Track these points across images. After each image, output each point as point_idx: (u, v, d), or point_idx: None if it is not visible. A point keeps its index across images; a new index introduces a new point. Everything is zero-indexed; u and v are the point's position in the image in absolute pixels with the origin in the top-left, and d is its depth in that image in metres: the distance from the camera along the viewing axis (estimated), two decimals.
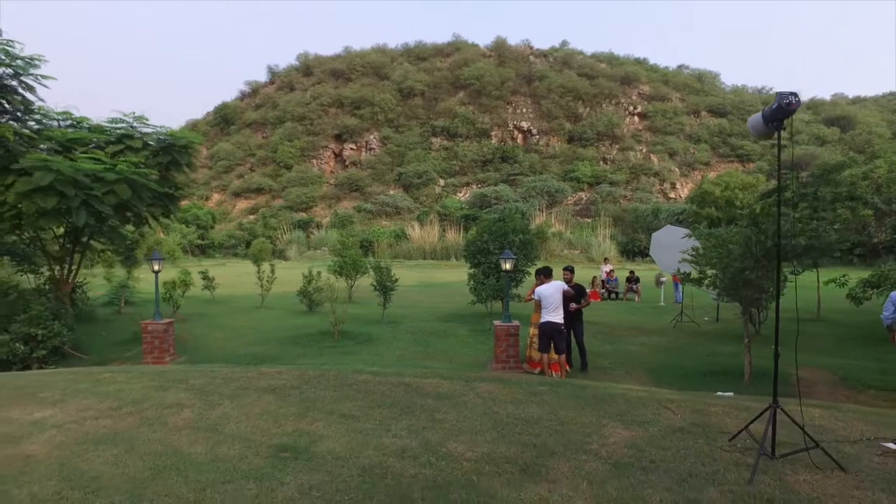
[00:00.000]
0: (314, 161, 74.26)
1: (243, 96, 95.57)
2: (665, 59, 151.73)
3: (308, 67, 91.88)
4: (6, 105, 8.02)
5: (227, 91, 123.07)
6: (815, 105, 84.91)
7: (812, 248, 7.22)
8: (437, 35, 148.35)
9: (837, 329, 12.14)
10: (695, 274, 8.37)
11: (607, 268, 21.08)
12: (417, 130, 74.57)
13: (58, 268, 10.74)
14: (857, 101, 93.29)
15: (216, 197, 70.10)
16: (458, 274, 28.84)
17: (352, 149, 74.44)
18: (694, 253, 8.02)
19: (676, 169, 68.39)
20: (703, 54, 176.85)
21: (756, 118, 3.66)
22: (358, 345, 11.05)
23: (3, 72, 7.58)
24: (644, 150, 69.74)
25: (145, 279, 19.19)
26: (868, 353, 9.48)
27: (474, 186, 65.14)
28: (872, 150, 48.04)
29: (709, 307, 14.75)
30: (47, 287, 10.88)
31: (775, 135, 3.76)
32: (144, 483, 3.46)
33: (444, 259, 45.15)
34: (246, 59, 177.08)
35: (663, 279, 18.07)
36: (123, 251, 14.85)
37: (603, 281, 20.13)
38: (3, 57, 7.49)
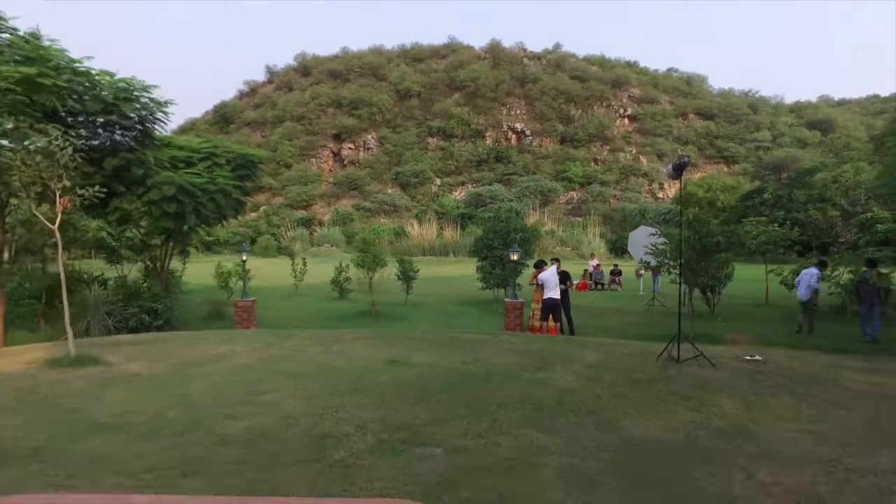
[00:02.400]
0: (313, 160, 76.27)
1: (242, 95, 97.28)
2: (655, 61, 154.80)
3: (306, 68, 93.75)
4: (145, 137, 10.59)
5: (225, 90, 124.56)
6: (798, 108, 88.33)
7: (732, 244, 10.01)
8: (433, 36, 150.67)
9: (777, 310, 14.99)
10: (653, 263, 11.15)
11: (594, 262, 23.97)
12: (414, 131, 76.91)
13: (151, 258, 13.39)
14: (843, 103, 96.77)
15: None
16: (459, 269, 31.62)
17: (350, 148, 76.64)
18: (653, 247, 10.76)
19: (664, 170, 70.88)
20: (693, 56, 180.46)
21: (668, 168, 6.41)
22: (392, 321, 13.76)
23: (146, 114, 10.17)
24: (633, 152, 72.61)
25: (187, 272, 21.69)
26: (791, 326, 12.29)
27: (469, 186, 67.68)
28: (841, 155, 51.27)
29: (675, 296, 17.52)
30: (148, 274, 13.43)
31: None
32: (322, 376, 6.15)
33: (442, 255, 47.50)
34: (243, 59, 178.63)
35: (642, 272, 20.89)
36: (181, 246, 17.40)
37: (590, 273, 22.98)
38: (151, 103, 10.12)
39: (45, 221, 6.58)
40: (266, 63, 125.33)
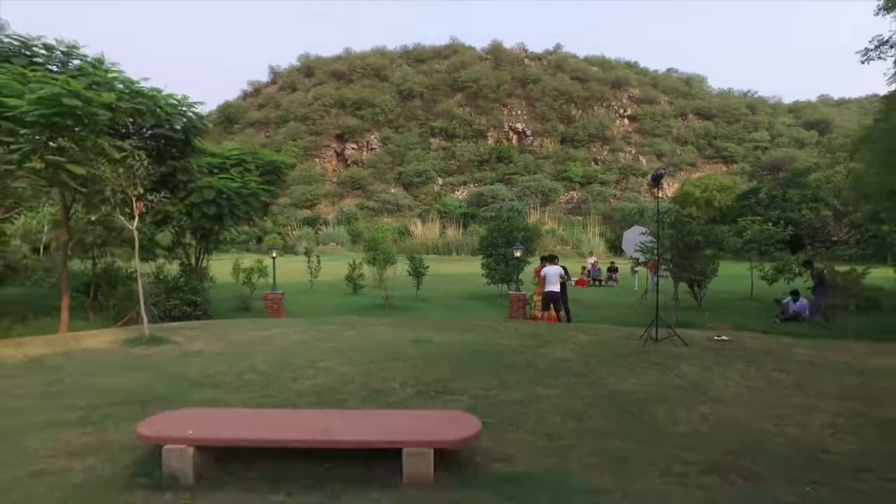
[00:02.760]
0: (317, 160, 77.45)
1: (245, 96, 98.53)
2: (655, 62, 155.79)
3: (309, 68, 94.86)
4: (187, 146, 11.84)
5: (229, 91, 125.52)
6: (796, 108, 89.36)
7: (710, 242, 11.27)
8: (434, 37, 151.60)
9: (760, 304, 16.21)
10: (642, 259, 12.41)
11: (592, 260, 25.26)
12: (416, 131, 78.11)
13: (185, 255, 14.65)
14: (842, 102, 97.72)
15: None
16: (463, 266, 32.84)
17: (353, 148, 77.83)
18: (642, 245, 12.01)
19: (649, 180, 71.87)
20: (693, 57, 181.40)
21: (650, 179, 7.62)
22: (406, 313, 14.99)
23: (190, 126, 11.43)
24: (633, 152, 73.76)
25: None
26: (767, 316, 13.53)
27: (471, 185, 68.87)
28: (836, 156, 52.40)
29: (670, 291, 18.80)
30: (185, 270, 14.66)
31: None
32: (362, 350, 7.40)
33: (445, 254, 48.64)
34: (247, 60, 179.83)
35: (637, 269, 22.12)
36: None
37: (588, 271, 24.26)
38: (195, 117, 11.38)
39: (126, 222, 7.83)
40: (269, 63, 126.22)
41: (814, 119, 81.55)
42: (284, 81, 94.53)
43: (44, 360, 6.70)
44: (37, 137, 6.57)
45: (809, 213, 41.63)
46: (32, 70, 8.31)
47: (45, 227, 22.26)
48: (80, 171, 7.01)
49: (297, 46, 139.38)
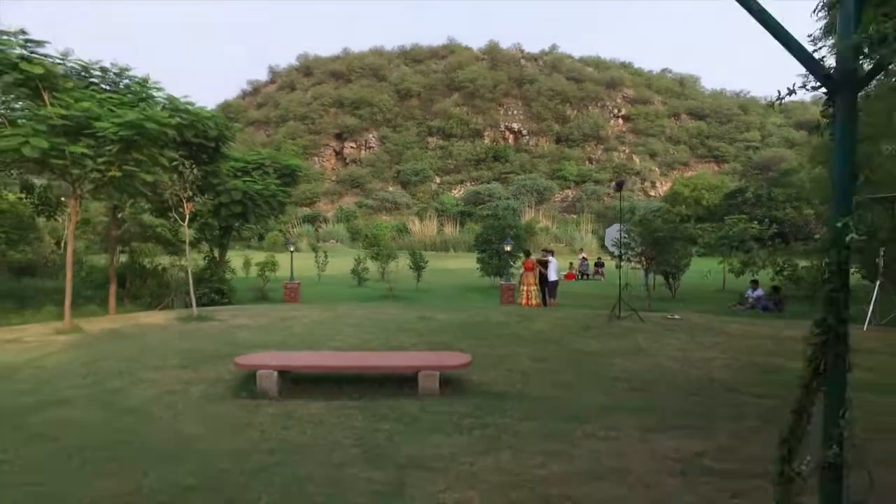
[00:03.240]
0: (316, 159, 78.72)
1: (245, 95, 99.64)
2: (649, 62, 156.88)
3: (308, 68, 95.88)
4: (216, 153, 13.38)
5: (227, 89, 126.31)
6: (787, 109, 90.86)
7: (675, 238, 12.96)
8: (432, 37, 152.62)
9: (731, 295, 17.86)
10: (616, 252, 14.07)
11: (581, 255, 27.00)
12: (414, 130, 79.39)
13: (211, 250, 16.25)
14: None
15: None
16: (459, 262, 34.45)
17: (352, 147, 79.07)
18: (615, 240, 13.67)
19: (657, 169, 73.50)
20: (687, 57, 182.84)
21: (613, 186, 9.24)
22: (408, 302, 16.57)
23: (220, 135, 12.96)
24: (627, 151, 75.27)
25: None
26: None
27: (468, 184, 70.26)
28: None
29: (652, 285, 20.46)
30: (210, 262, 16.22)
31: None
32: (376, 324, 8.99)
33: (443, 251, 50.04)
34: (245, 58, 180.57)
35: (621, 264, 23.79)
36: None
37: (578, 266, 26.05)
38: (225, 129, 12.94)
39: (179, 219, 9.40)
40: (269, 63, 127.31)
41: (804, 119, 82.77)
42: (283, 81, 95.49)
43: (121, 331, 8.29)
44: (115, 151, 8.11)
45: (793, 212, 43.43)
46: (93, 90, 9.88)
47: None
48: (149, 178, 8.56)
49: (296, 46, 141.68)
